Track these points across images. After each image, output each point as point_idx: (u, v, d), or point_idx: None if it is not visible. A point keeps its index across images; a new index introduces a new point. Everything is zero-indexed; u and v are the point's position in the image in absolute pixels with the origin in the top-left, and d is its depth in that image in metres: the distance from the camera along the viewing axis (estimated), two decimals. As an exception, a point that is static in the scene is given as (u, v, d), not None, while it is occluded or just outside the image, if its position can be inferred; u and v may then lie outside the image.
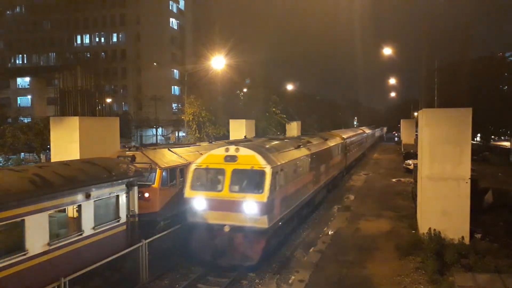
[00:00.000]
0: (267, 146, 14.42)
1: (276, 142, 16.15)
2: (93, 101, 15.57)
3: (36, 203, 8.49)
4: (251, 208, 11.50)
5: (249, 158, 12.19)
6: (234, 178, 12.07)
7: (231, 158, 12.29)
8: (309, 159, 17.02)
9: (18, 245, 8.20)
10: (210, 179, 12.79)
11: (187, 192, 12.50)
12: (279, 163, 12.82)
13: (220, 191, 12.04)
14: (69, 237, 9.47)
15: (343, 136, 29.43)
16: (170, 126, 71.12)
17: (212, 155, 12.77)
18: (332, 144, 23.59)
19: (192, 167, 12.81)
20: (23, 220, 8.21)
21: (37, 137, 29.77)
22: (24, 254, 8.21)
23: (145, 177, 12.93)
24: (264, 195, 11.50)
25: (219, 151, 12.76)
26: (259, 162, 12.00)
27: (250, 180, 12.14)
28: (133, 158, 13.38)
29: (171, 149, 15.54)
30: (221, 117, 35.14)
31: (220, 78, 36.17)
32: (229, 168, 12.15)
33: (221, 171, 12.32)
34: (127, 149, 14.77)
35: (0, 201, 7.76)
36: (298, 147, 16.47)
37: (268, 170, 11.79)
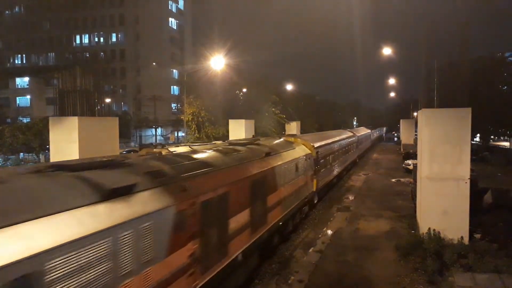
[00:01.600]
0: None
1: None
2: (92, 101, 15.55)
3: None
4: None
5: None
6: None
7: None
8: (198, 215, 7.64)
9: None
10: None
11: None
12: None
13: None
14: None
15: (313, 144, 19.29)
16: (169, 126, 71.32)
17: None
18: (282, 162, 13.64)
19: None
20: None
21: (36, 137, 29.82)
22: None
23: None
24: None
25: None
26: None
27: None
28: (159, 154, 14.03)
29: (192, 147, 15.97)
30: (221, 117, 35.15)
31: (220, 78, 36.18)
32: None
33: None
34: (154, 147, 15.63)
35: None
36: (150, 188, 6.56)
37: None
